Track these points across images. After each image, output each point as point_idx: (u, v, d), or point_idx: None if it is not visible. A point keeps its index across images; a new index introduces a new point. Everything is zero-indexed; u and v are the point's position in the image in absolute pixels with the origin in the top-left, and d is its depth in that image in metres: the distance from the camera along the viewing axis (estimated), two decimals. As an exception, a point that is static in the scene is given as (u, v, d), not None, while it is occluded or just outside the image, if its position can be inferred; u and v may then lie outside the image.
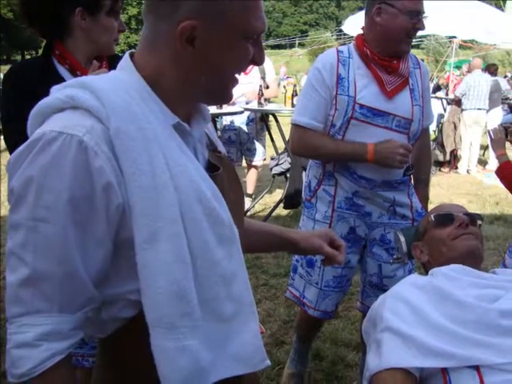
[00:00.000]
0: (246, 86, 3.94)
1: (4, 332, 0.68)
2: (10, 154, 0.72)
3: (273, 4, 60.54)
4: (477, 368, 0.99)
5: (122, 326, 0.73)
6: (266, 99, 4.12)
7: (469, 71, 7.23)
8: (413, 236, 1.44)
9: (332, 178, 1.70)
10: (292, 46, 38.32)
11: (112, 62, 1.35)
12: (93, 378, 0.83)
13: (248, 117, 4.17)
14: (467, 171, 6.52)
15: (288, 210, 4.24)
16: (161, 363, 0.69)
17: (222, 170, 0.81)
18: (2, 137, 1.25)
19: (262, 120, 4.27)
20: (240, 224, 0.83)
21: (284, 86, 11.17)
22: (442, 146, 6.40)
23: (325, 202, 1.72)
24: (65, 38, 1.29)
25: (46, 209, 0.64)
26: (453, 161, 6.55)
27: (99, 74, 0.81)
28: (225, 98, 0.80)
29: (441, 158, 6.41)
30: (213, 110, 3.52)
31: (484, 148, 7.41)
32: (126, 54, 0.76)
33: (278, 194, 4.66)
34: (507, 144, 2.16)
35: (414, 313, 1.07)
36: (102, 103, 0.67)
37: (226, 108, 3.77)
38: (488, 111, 6.49)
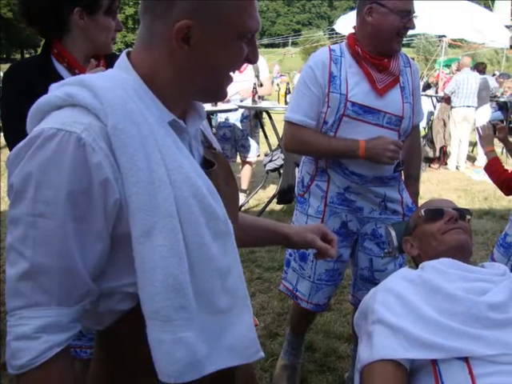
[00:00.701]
0: (241, 84, 3.94)
1: (4, 325, 0.68)
2: (10, 150, 0.73)
3: (266, 4, 60.46)
4: (466, 360, 1.00)
5: (119, 318, 0.74)
6: (260, 97, 4.13)
7: (458, 69, 7.28)
8: (403, 230, 1.45)
9: (324, 174, 1.72)
10: (285, 44, 38.24)
11: (109, 61, 1.36)
12: (90, 370, 0.84)
13: (242, 114, 4.17)
14: (456, 167, 6.57)
15: (281, 206, 4.26)
16: (157, 355, 0.69)
17: (217, 166, 0.82)
18: (2, 134, 1.25)
19: (256, 117, 4.29)
20: (234, 219, 0.84)
21: (277, 84, 11.21)
22: (431, 143, 6.45)
23: (317, 198, 1.74)
24: (63, 37, 1.29)
25: (44, 204, 0.65)
26: (442, 157, 6.60)
27: (97, 73, 0.82)
28: (220, 95, 0.80)
29: (431, 154, 6.46)
30: (208, 107, 3.52)
31: (473, 145, 7.47)
32: (123, 53, 0.77)
33: (272, 189, 4.68)
34: (495, 141, 2.19)
35: (404, 305, 1.08)
36: (100, 101, 0.68)
37: (220, 105, 3.77)
38: (477, 109, 6.54)
